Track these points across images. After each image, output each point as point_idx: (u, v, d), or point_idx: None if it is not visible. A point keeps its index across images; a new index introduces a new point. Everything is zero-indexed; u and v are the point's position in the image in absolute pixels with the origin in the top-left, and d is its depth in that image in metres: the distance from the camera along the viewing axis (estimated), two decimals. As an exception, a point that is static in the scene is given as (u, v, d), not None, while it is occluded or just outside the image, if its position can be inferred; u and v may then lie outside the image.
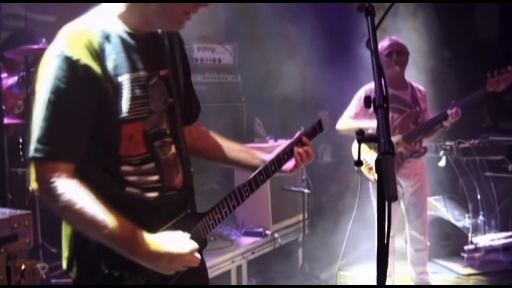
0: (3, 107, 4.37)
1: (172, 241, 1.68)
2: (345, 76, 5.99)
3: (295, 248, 5.23)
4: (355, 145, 4.38)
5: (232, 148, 2.09)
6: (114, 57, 1.65)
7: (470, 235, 5.30)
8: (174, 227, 1.75)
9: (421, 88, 4.46)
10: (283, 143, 2.10)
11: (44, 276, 3.79)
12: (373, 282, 1.42)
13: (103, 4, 1.75)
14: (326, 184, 6.24)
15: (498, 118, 7.31)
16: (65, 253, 1.75)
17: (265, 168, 1.97)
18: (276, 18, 6.02)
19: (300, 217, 5.09)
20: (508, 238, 5.37)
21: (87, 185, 1.62)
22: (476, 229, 5.52)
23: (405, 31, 5.45)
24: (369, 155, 4.22)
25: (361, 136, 1.55)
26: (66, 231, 1.75)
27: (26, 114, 4.28)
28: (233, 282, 4.38)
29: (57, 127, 1.60)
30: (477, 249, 5.18)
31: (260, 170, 1.96)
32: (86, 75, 1.60)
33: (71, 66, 1.59)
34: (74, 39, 1.61)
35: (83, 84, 1.60)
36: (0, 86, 4.08)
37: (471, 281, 4.95)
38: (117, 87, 1.65)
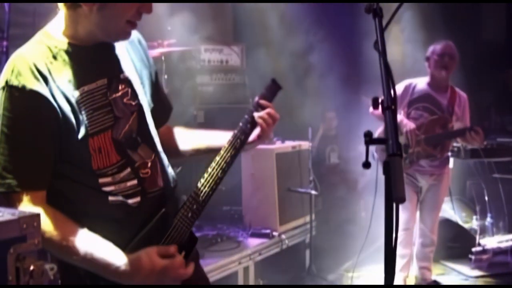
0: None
1: (154, 258, 1.65)
2: (352, 77, 6.00)
3: (302, 250, 5.23)
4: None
5: (199, 136, 2.03)
6: (64, 74, 1.62)
7: (477, 237, 5.29)
8: (151, 231, 1.73)
9: (463, 94, 4.51)
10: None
11: (52, 277, 3.81)
12: (381, 283, 1.42)
13: (46, 26, 1.70)
14: (334, 185, 6.25)
15: (506, 119, 7.29)
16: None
17: (231, 144, 1.84)
18: (283, 20, 6.03)
19: (307, 218, 5.09)
20: (516, 240, 5.35)
21: (61, 209, 1.60)
22: (483, 231, 5.50)
23: (411, 33, 5.44)
24: None
25: (369, 138, 1.56)
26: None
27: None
28: (240, 283, 4.38)
29: (17, 159, 1.57)
30: (485, 251, 5.17)
31: (226, 147, 1.83)
32: (35, 101, 1.56)
33: (18, 95, 1.55)
34: (17, 67, 1.58)
35: (33, 110, 1.57)
36: None
37: (479, 283, 4.93)
38: (75, 103, 1.61)
